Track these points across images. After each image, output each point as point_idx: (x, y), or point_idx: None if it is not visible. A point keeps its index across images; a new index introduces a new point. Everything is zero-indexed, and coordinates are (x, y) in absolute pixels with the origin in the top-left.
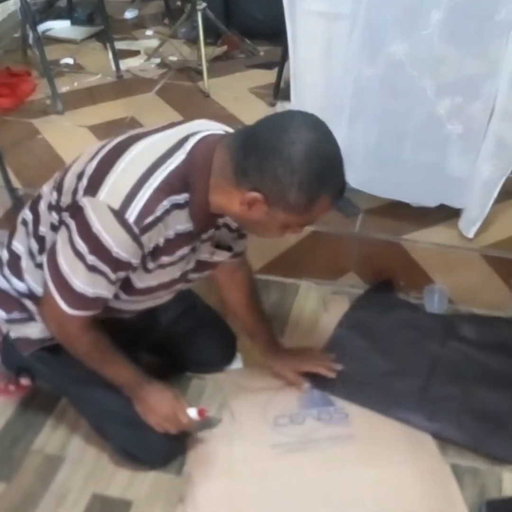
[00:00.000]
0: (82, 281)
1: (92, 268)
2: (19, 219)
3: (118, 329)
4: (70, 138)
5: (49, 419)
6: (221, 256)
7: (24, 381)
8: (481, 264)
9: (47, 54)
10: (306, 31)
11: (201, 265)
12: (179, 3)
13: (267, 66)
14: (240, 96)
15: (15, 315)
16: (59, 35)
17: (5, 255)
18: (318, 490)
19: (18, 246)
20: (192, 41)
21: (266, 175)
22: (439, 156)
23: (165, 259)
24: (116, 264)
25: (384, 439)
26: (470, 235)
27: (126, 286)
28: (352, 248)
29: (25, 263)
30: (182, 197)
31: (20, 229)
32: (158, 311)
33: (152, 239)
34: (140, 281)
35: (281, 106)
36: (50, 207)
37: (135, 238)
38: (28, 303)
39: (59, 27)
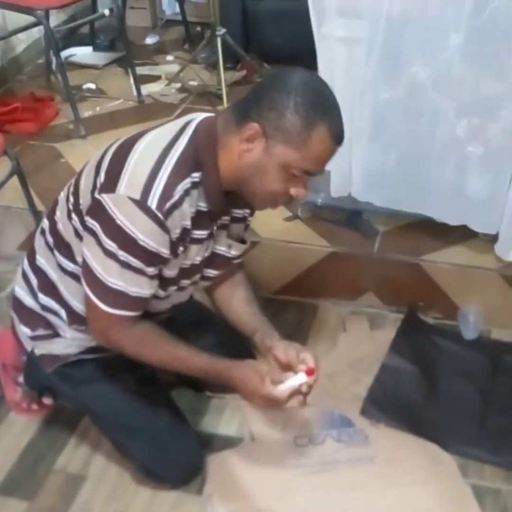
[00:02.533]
0: (117, 278)
1: (125, 265)
2: (38, 231)
3: None
4: None
5: (72, 438)
6: (238, 249)
7: (47, 400)
8: (502, 285)
9: (70, 79)
10: (325, 56)
11: (218, 260)
12: (199, 28)
13: None
14: None
15: (40, 331)
16: (81, 61)
17: (29, 273)
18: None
19: (41, 259)
20: (212, 66)
21: (263, 104)
22: (460, 178)
23: (188, 239)
24: (146, 255)
25: (404, 460)
26: (510, 258)
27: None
28: (371, 268)
29: (55, 275)
30: (196, 176)
31: (39, 239)
32: (176, 327)
33: (177, 223)
34: (170, 269)
35: None
36: (69, 213)
37: (161, 224)
38: (53, 318)
39: (82, 53)
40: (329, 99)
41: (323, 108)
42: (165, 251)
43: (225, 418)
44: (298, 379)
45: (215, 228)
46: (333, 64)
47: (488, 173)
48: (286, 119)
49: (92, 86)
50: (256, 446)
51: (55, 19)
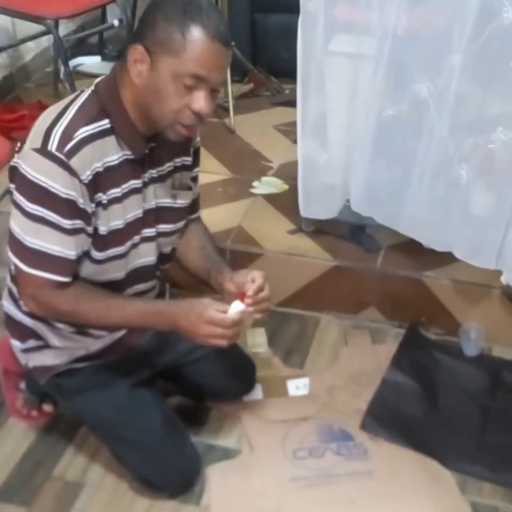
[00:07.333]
0: (33, 236)
1: (40, 220)
2: None
3: (130, 350)
4: None
5: (70, 446)
6: (184, 198)
7: (47, 407)
8: (504, 302)
9: (77, 88)
10: (332, 72)
11: (167, 213)
12: None
13: (292, 104)
14: (265, 133)
15: (30, 343)
16: (89, 70)
17: (11, 285)
18: None
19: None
20: None
21: (141, 26)
22: (451, 200)
23: (114, 191)
24: (61, 205)
25: (403, 475)
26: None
27: (95, 240)
28: (374, 283)
29: None
30: (105, 123)
31: None
32: (173, 337)
33: (85, 164)
34: (103, 224)
35: None
36: None
37: (65, 166)
38: (42, 328)
39: (90, 62)
40: (200, 2)
41: (193, 11)
42: (79, 199)
43: (225, 429)
44: (234, 308)
45: (147, 175)
46: (340, 80)
47: (475, 197)
48: (160, 29)
49: None
50: (255, 458)
51: (64, 28)
